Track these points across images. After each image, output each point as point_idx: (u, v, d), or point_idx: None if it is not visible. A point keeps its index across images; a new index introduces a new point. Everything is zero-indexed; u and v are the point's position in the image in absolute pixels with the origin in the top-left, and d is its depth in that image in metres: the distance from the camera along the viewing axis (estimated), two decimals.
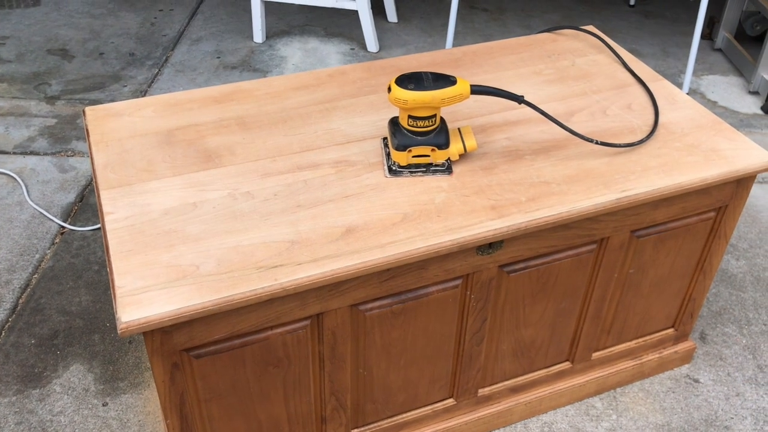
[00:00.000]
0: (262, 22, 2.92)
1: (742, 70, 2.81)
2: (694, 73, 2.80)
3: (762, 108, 2.61)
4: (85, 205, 2.07)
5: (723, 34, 2.95)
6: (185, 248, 1.07)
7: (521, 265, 1.25)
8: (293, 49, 2.91)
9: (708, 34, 3.04)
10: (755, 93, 2.69)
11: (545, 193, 1.19)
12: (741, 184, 1.33)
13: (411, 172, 1.22)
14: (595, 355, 1.51)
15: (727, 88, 2.73)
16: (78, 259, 1.89)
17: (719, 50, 2.98)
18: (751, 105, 2.64)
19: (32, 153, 2.28)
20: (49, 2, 3.21)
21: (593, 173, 1.24)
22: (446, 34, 2.90)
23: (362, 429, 1.36)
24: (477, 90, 1.21)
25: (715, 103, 2.64)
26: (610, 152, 1.29)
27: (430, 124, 1.20)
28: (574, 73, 1.52)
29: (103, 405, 1.54)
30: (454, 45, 2.86)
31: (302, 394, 1.22)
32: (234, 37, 2.98)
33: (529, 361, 1.44)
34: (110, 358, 1.64)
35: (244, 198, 1.16)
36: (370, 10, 2.83)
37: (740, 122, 2.54)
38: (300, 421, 1.27)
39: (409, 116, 1.19)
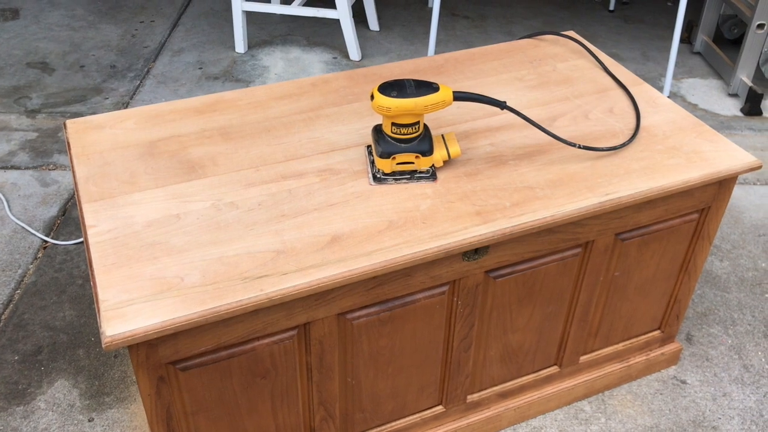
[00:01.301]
0: (244, 32, 2.92)
1: (721, 73, 2.84)
2: (674, 76, 2.83)
3: (741, 110, 2.64)
4: (68, 218, 2.06)
5: (701, 38, 2.98)
6: (169, 260, 1.06)
7: (507, 270, 1.25)
8: (275, 59, 2.91)
9: (687, 38, 3.07)
10: (734, 95, 2.72)
11: (529, 197, 1.19)
12: (723, 185, 1.34)
13: (395, 180, 1.22)
14: (583, 358, 1.51)
15: (706, 91, 2.76)
16: (61, 273, 1.87)
17: (698, 54, 3.01)
18: (730, 107, 2.66)
19: (13, 167, 2.26)
20: (28, 15, 3.19)
21: (576, 177, 1.24)
22: (428, 41, 2.91)
23: None
24: (460, 96, 1.21)
25: (695, 105, 2.67)
26: (593, 156, 1.30)
27: (414, 131, 1.20)
28: (556, 78, 1.53)
29: (89, 420, 1.52)
30: (436, 52, 2.87)
31: (290, 404, 1.22)
32: (216, 48, 2.98)
33: (517, 366, 1.44)
34: (95, 372, 1.62)
35: (228, 208, 1.16)
36: (352, 19, 2.83)
37: (720, 124, 2.56)
38: None
39: (393, 124, 1.19)
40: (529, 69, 1.56)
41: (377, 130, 1.24)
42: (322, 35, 3.08)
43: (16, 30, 3.07)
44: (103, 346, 0.94)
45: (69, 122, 1.36)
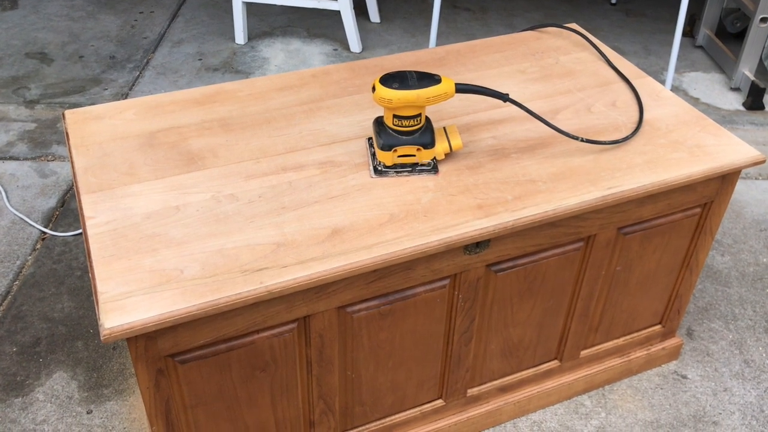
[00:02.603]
0: (244, 23, 2.90)
1: (724, 67, 2.83)
2: (676, 70, 2.81)
3: (743, 104, 2.63)
4: (67, 210, 2.05)
5: (704, 32, 2.96)
6: (168, 252, 1.05)
7: (508, 264, 1.24)
8: (276, 51, 2.90)
9: (689, 32, 3.06)
10: (737, 89, 2.71)
11: (531, 191, 1.19)
12: (726, 179, 1.34)
13: (397, 172, 1.21)
14: (584, 353, 1.51)
15: (708, 85, 2.75)
16: (60, 264, 1.86)
17: (700, 47, 3.00)
18: (732, 101, 2.65)
19: (12, 158, 2.25)
20: (27, 5, 3.17)
21: (579, 171, 1.23)
22: (429, 33, 2.90)
23: None
24: (462, 88, 1.20)
25: (697, 99, 2.66)
26: (596, 149, 1.29)
27: (415, 123, 1.19)
28: (558, 70, 1.52)
29: (88, 413, 1.52)
30: (438, 44, 2.86)
31: (290, 398, 1.21)
32: (215, 39, 2.96)
33: (518, 360, 1.44)
34: (94, 364, 1.62)
35: (228, 200, 1.15)
36: (353, 11, 2.82)
37: (722, 118, 2.55)
38: (288, 426, 1.26)
39: (394, 116, 1.18)
40: (532, 61, 1.55)
41: (378, 122, 1.23)
42: (322, 27, 3.07)
43: (14, 20, 3.06)
44: (101, 338, 0.93)
45: (68, 113, 1.35)
